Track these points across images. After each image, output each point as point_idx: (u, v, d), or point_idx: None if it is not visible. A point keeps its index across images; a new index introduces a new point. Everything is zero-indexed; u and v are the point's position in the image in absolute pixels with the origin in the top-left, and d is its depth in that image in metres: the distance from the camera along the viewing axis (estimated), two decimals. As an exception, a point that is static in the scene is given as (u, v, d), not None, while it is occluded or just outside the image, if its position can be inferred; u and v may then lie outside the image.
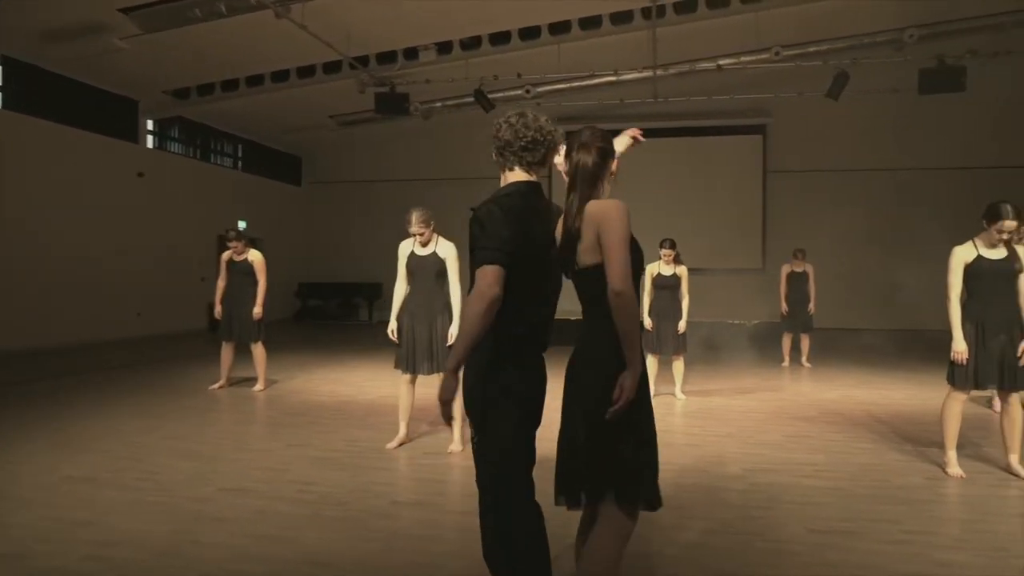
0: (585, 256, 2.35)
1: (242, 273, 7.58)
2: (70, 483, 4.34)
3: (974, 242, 4.52)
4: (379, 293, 17.70)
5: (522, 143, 2.44)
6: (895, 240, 14.61)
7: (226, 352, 7.70)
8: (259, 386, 7.71)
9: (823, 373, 9.35)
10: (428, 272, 5.08)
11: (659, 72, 12.38)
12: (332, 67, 12.89)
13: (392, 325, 5.15)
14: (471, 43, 12.45)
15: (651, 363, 7.15)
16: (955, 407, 4.63)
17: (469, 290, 2.36)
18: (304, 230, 18.76)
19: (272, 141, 17.73)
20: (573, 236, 2.35)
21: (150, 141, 14.24)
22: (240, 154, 17.27)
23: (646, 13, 11.44)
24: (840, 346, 11.81)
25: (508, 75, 12.24)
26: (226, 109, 14.53)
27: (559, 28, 12.07)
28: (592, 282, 2.35)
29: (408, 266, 5.12)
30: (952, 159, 15.11)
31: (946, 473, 4.61)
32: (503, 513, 2.41)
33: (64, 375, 8.57)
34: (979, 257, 4.45)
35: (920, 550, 3.37)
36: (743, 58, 12.15)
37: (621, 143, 2.72)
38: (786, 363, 10.07)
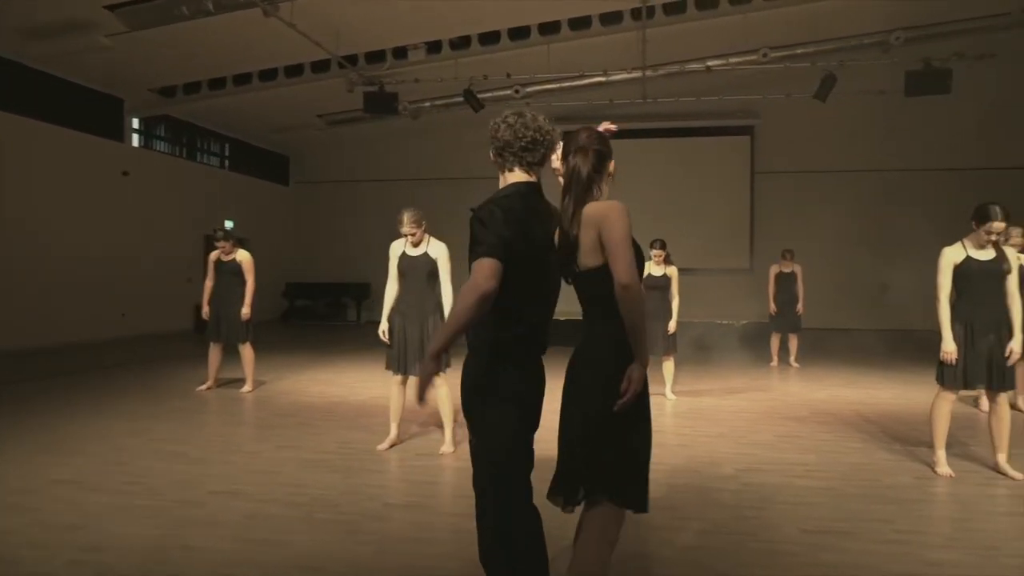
0: (585, 258, 2.34)
1: (230, 273, 7.51)
2: (56, 487, 4.27)
3: (963, 243, 4.55)
4: (367, 293, 17.64)
5: (522, 143, 2.42)
6: (883, 240, 14.71)
7: (214, 353, 7.63)
8: (247, 387, 7.64)
9: (812, 373, 9.40)
10: (419, 272, 5.06)
11: (648, 73, 12.41)
12: (321, 66, 12.83)
13: (383, 326, 5.13)
14: (461, 43, 12.44)
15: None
16: (944, 407, 4.67)
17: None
18: (291, 230, 18.64)
19: (259, 140, 17.61)
20: (571, 240, 2.34)
21: (135, 140, 14.09)
22: (227, 153, 17.13)
23: (636, 14, 11.48)
24: (828, 346, 11.88)
25: (498, 75, 12.22)
26: (213, 108, 14.41)
27: (549, 28, 12.09)
28: (592, 284, 2.34)
29: (399, 266, 5.09)
30: (939, 160, 15.27)
31: (935, 472, 4.64)
32: (503, 514, 2.39)
33: (47, 377, 8.46)
34: (968, 258, 4.49)
35: (912, 550, 3.39)
36: (731, 59, 12.20)
37: None
38: (774, 363, 10.12)
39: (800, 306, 9.92)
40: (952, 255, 4.54)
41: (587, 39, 12.10)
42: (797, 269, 10.00)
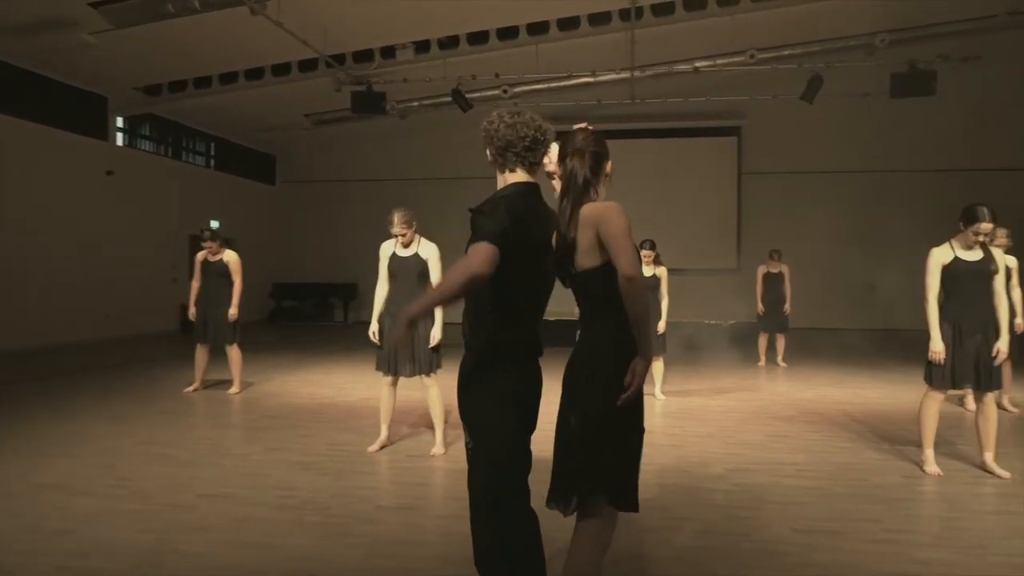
0: (583, 259, 2.33)
1: (217, 274, 7.44)
2: (41, 491, 4.21)
3: (951, 244, 4.59)
4: (355, 293, 17.56)
5: (525, 143, 2.39)
6: (869, 241, 14.83)
7: (201, 354, 7.56)
8: (235, 389, 7.57)
9: (799, 373, 9.46)
10: (410, 273, 5.03)
11: (636, 73, 12.44)
12: (308, 65, 12.73)
13: (374, 327, 5.09)
14: (449, 42, 12.40)
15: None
16: (932, 407, 4.70)
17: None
18: (278, 230, 18.51)
19: (246, 139, 17.48)
20: (569, 241, 2.33)
21: (120, 139, 13.94)
22: (213, 152, 16.99)
23: (624, 14, 11.50)
24: (816, 346, 11.96)
25: (486, 75, 12.19)
26: (198, 106, 14.29)
27: (537, 28, 12.09)
28: (590, 285, 2.33)
29: (390, 267, 5.06)
30: (925, 162, 15.42)
31: (923, 471, 4.68)
32: (503, 515, 2.37)
33: (29, 379, 8.35)
34: (956, 259, 4.53)
35: (901, 549, 3.41)
36: (719, 60, 12.26)
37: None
38: (762, 363, 10.18)
39: (787, 306, 9.98)
40: (940, 256, 4.58)
41: (575, 39, 12.11)
42: (784, 269, 10.07)
